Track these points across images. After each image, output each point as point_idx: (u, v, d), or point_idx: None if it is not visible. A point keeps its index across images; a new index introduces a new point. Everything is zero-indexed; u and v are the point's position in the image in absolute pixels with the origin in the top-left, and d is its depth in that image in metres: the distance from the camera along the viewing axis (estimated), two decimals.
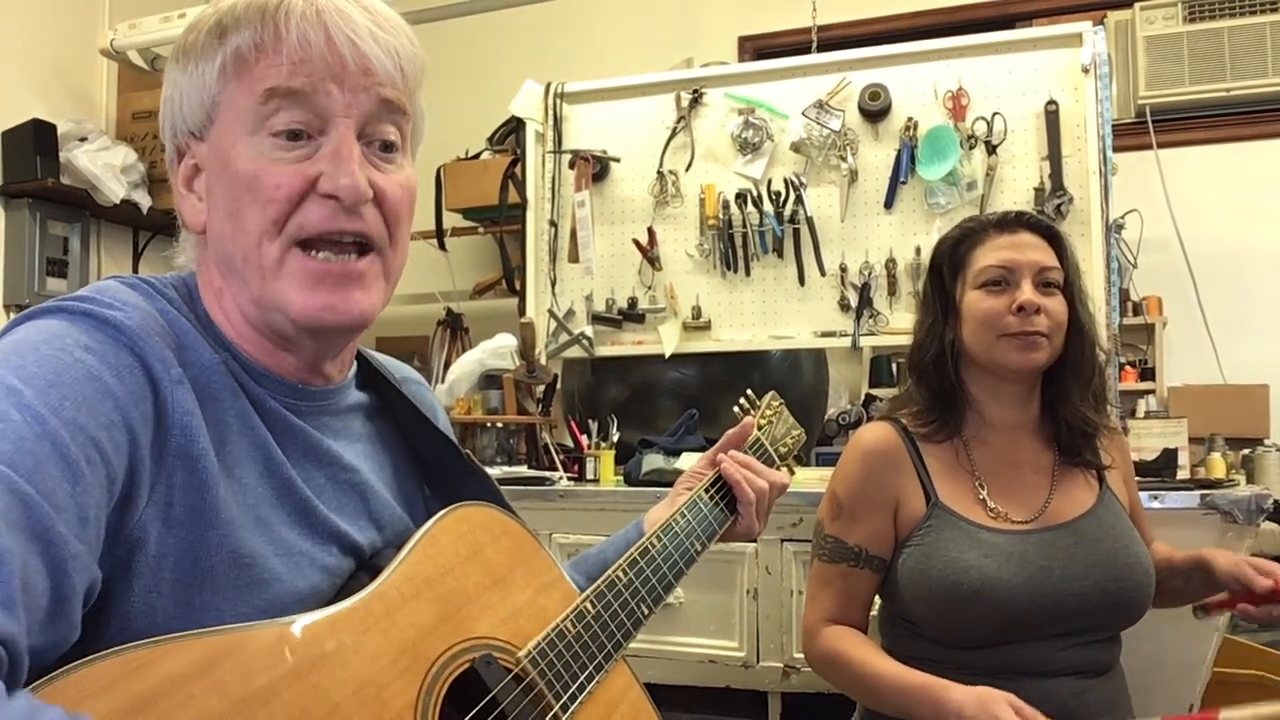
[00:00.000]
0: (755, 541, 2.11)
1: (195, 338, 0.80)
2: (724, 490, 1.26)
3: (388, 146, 0.84)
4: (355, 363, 0.97)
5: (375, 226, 0.83)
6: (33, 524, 0.62)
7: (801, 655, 1.82)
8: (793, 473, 1.44)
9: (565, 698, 0.89)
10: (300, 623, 0.74)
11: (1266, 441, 2.94)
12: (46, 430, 0.66)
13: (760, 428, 1.40)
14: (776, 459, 1.41)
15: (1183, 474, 2.15)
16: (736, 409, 1.42)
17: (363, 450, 0.93)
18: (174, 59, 0.84)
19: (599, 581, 1.01)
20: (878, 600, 1.53)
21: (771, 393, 1.49)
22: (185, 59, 0.83)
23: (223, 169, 0.81)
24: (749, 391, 1.45)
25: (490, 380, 2.76)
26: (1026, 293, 1.41)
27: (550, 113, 2.92)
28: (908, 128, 2.62)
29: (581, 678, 0.92)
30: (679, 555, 1.12)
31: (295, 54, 0.78)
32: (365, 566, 0.86)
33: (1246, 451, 2.73)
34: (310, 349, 0.86)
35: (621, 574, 1.04)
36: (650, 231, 2.81)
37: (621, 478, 2.46)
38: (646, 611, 1.04)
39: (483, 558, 0.90)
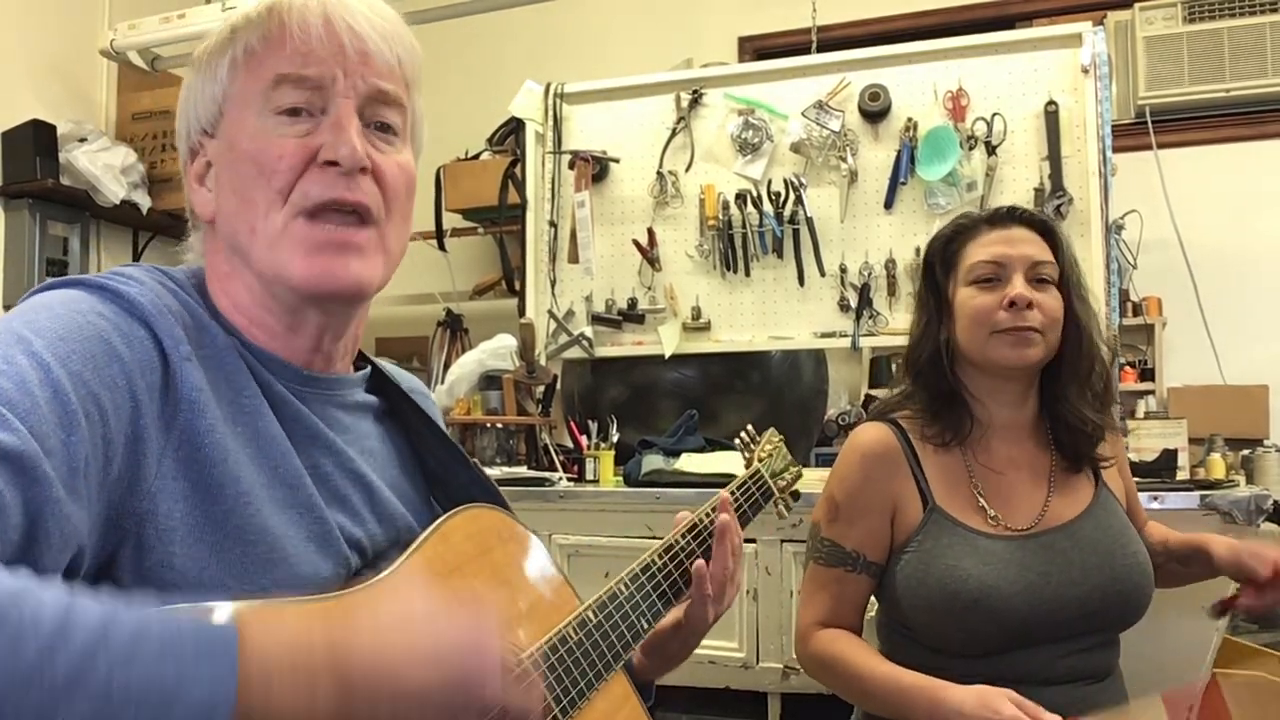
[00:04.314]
0: (754, 541, 2.12)
1: (209, 321, 0.83)
2: None
3: (386, 128, 0.88)
4: (368, 366, 0.99)
5: (373, 199, 0.85)
6: (19, 460, 0.63)
7: None
8: (788, 509, 1.47)
9: (565, 702, 0.89)
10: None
11: (1266, 442, 2.93)
12: (50, 377, 0.67)
13: (761, 460, 1.42)
14: (775, 491, 1.43)
15: (1182, 475, 2.16)
16: (738, 441, 1.45)
17: (369, 448, 0.94)
18: (192, 68, 0.90)
19: (601, 593, 1.02)
20: (875, 603, 1.53)
21: (771, 429, 1.52)
22: (200, 64, 0.88)
23: (230, 152, 0.85)
24: (749, 427, 1.46)
25: (490, 381, 2.76)
26: (1018, 287, 1.39)
27: (550, 113, 2.92)
28: (907, 128, 2.62)
29: (581, 684, 0.92)
30: (679, 574, 1.13)
31: (297, 40, 0.83)
32: (368, 559, 0.86)
33: (1246, 452, 2.72)
34: (315, 321, 0.88)
35: (623, 587, 1.05)
36: (650, 232, 2.81)
37: (621, 478, 2.46)
38: (646, 626, 1.06)
39: (491, 559, 0.91)
